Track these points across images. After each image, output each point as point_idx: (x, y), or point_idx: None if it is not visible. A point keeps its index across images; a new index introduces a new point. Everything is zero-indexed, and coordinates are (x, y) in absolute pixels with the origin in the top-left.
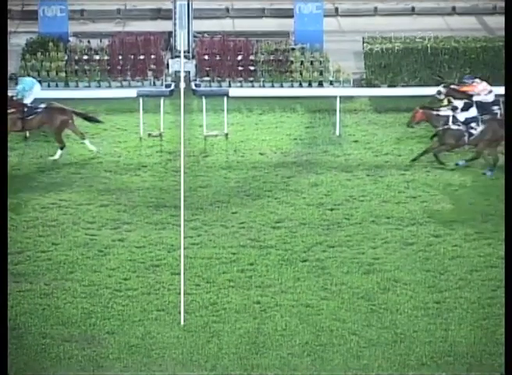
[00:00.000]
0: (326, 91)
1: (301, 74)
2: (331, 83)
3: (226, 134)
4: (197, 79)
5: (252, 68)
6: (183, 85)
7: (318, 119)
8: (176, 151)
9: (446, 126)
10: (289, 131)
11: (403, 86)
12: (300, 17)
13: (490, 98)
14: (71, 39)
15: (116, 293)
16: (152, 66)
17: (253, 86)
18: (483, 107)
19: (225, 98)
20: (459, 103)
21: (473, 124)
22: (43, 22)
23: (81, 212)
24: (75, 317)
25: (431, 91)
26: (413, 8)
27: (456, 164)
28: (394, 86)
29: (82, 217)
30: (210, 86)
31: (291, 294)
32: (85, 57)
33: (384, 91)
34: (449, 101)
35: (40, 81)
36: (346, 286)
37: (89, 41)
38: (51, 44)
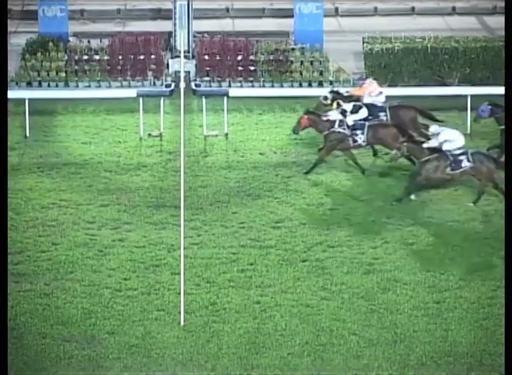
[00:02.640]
0: (326, 91)
1: (301, 74)
2: (331, 83)
3: (226, 134)
4: (197, 79)
5: (252, 68)
6: (183, 85)
7: None
8: (175, 151)
9: (331, 130)
10: (289, 131)
11: (403, 86)
12: (300, 17)
13: (381, 99)
14: (71, 39)
15: (116, 293)
16: (152, 66)
17: (253, 86)
18: (371, 111)
19: (225, 98)
20: (348, 106)
21: (358, 131)
22: (43, 22)
23: (81, 212)
24: (75, 317)
25: (431, 91)
26: (413, 8)
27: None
28: (394, 86)
29: (82, 217)
30: (210, 86)
31: (291, 294)
32: (85, 57)
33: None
34: (339, 105)
35: (40, 81)
36: (346, 286)
37: (89, 41)
38: (51, 44)
